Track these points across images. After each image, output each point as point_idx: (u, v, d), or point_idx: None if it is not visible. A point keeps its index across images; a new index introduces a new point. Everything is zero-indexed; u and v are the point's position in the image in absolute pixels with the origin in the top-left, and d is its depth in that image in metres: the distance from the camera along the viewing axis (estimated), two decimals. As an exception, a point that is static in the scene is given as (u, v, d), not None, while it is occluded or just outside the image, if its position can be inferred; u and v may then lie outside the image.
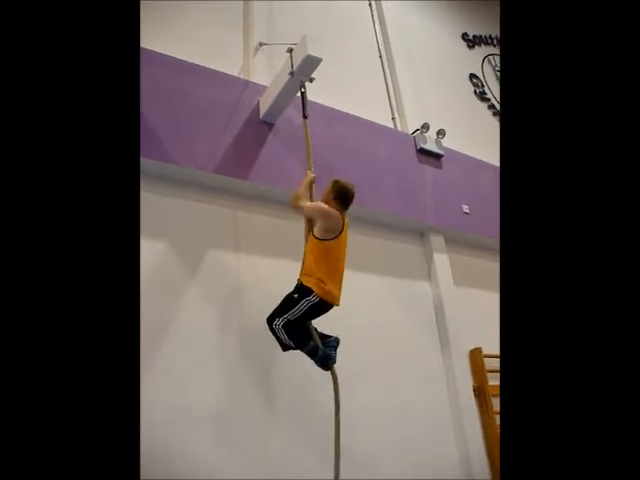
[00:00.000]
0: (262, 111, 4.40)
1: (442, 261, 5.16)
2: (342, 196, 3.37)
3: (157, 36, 4.25)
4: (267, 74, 4.78)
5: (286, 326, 3.16)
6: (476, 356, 4.85)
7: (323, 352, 3.18)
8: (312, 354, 3.19)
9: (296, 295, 3.18)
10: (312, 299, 3.14)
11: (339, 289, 3.26)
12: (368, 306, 4.52)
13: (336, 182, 3.39)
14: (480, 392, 4.73)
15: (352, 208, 4.50)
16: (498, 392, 4.48)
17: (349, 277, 4.48)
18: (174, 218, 3.89)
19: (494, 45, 8.18)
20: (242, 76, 4.82)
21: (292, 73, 3.89)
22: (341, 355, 3.94)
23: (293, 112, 4.30)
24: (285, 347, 3.26)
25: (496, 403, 4.62)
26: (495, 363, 4.72)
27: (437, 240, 5.25)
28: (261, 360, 3.79)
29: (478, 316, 5.08)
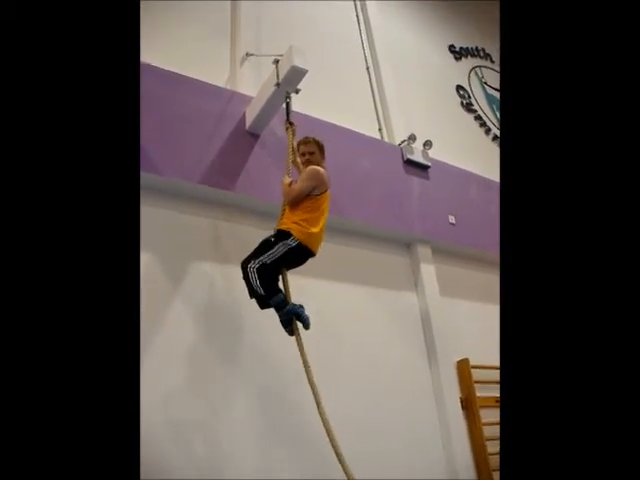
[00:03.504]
0: (248, 122, 4.39)
1: (428, 272, 5.15)
2: (322, 148, 3.43)
3: (143, 46, 4.22)
4: (253, 85, 4.77)
5: (260, 270, 3.07)
6: (463, 367, 4.84)
7: (292, 307, 3.08)
8: (279, 307, 3.09)
9: (273, 239, 3.15)
10: (290, 242, 3.09)
11: (321, 238, 3.24)
12: (354, 317, 4.51)
13: (315, 141, 3.42)
14: (467, 403, 4.72)
15: (339, 219, 4.52)
16: (486, 403, 4.55)
17: (335, 289, 4.53)
18: (158, 229, 3.85)
19: (481, 57, 8.27)
20: (228, 87, 4.81)
21: (278, 84, 3.89)
22: (327, 366, 3.93)
23: (279, 123, 4.30)
24: (253, 294, 3.18)
25: (484, 414, 4.61)
26: (483, 374, 4.73)
27: (423, 251, 5.25)
28: (245, 370, 3.77)
29: (465, 327, 5.10)
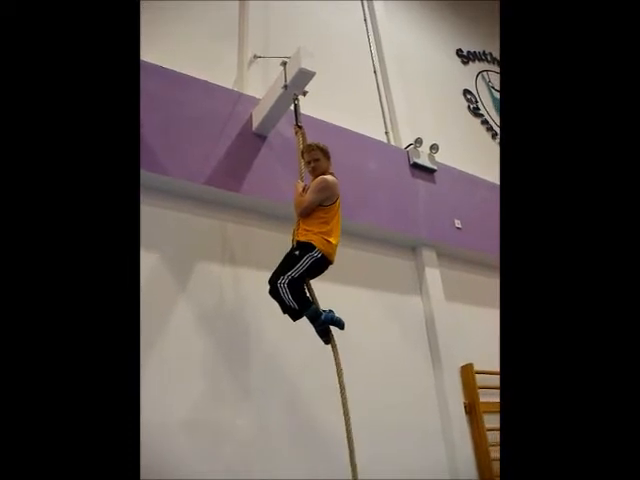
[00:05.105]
0: (255, 124, 4.40)
1: (433, 276, 5.14)
2: (327, 152, 3.31)
3: (151, 47, 4.24)
4: (261, 87, 4.78)
5: (290, 284, 3.03)
6: (467, 372, 4.82)
7: (326, 316, 3.05)
8: (314, 318, 3.05)
9: (297, 252, 3.10)
10: (315, 254, 3.06)
11: (337, 247, 3.20)
12: (358, 321, 4.46)
13: (318, 147, 3.28)
14: (471, 409, 4.70)
15: (344, 222, 4.49)
16: (489, 409, 4.53)
17: (339, 291, 4.51)
18: (164, 229, 3.86)
19: (488, 61, 8.25)
20: (236, 88, 4.81)
21: (285, 86, 3.89)
22: (331, 369, 3.93)
23: (286, 125, 4.30)
24: (286, 309, 3.13)
25: (487, 420, 4.59)
26: (487, 379, 4.71)
27: (429, 255, 5.24)
28: (249, 373, 3.76)
29: (470, 332, 5.07)
